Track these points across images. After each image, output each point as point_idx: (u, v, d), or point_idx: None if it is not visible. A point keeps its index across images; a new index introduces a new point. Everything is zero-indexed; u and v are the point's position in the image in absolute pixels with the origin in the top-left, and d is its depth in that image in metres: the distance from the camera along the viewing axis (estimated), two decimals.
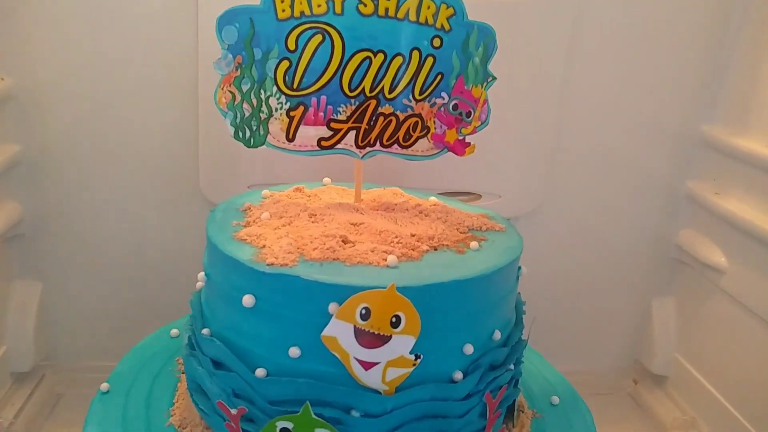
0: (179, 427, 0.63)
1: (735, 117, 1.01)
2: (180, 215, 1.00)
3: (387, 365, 0.52)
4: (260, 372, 0.54)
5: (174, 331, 0.78)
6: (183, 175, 0.98)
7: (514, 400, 0.65)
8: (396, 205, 0.68)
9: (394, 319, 0.51)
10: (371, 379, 0.53)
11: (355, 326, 0.51)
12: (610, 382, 1.19)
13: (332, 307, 0.51)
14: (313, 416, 0.51)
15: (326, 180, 0.77)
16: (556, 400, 0.73)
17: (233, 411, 0.54)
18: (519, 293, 0.67)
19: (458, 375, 0.56)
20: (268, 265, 0.53)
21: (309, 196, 0.70)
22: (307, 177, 0.80)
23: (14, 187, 0.95)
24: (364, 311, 0.50)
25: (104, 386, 0.68)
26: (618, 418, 1.12)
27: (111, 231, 1.00)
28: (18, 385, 1.01)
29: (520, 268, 0.64)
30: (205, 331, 0.59)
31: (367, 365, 0.52)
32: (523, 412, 0.69)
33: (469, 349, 0.56)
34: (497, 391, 0.58)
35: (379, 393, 0.53)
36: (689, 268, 1.10)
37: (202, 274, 0.61)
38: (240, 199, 0.69)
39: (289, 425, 0.52)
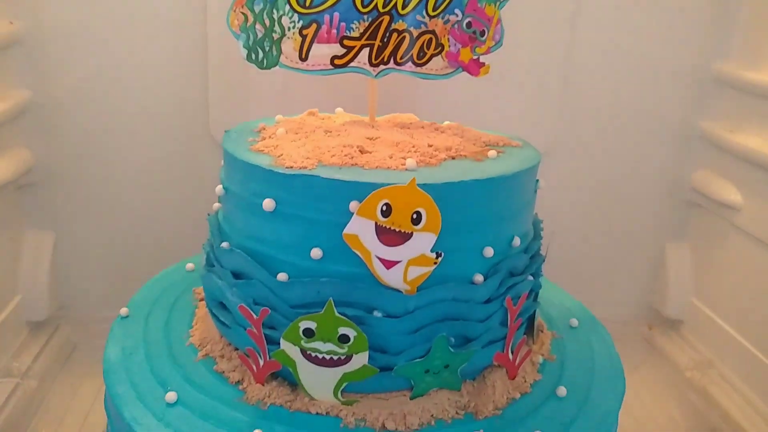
0: (199, 345, 0.63)
1: (748, 51, 1.00)
2: (191, 159, 1.00)
3: (408, 264, 0.52)
4: (282, 276, 0.54)
5: (189, 265, 0.78)
6: (193, 119, 0.98)
7: (535, 315, 0.65)
8: (411, 124, 0.68)
9: (414, 216, 0.51)
10: (393, 278, 0.52)
11: (376, 223, 0.51)
12: (624, 329, 1.18)
13: (353, 205, 0.51)
14: (337, 315, 0.51)
15: (339, 110, 0.77)
16: (575, 322, 0.73)
17: (256, 316, 0.54)
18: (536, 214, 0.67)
19: (479, 278, 0.55)
20: (287, 167, 0.53)
21: (323, 119, 0.70)
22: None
23: (25, 133, 0.95)
24: (384, 207, 0.50)
25: (124, 311, 0.68)
26: (633, 363, 1.11)
27: (122, 178, 1.00)
28: (34, 334, 1.01)
29: (537, 181, 0.63)
30: (224, 244, 0.59)
31: (389, 264, 0.52)
32: (542, 332, 0.69)
33: (489, 251, 0.55)
34: (517, 299, 0.58)
35: (401, 293, 0.53)
36: (703, 211, 1.10)
37: (219, 187, 0.61)
38: (253, 123, 0.69)
39: (312, 325, 0.52)
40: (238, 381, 0.58)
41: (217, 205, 0.65)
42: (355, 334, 0.52)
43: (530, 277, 0.60)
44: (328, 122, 0.68)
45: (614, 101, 1.06)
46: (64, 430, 0.86)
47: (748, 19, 1.00)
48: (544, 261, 0.64)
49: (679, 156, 1.10)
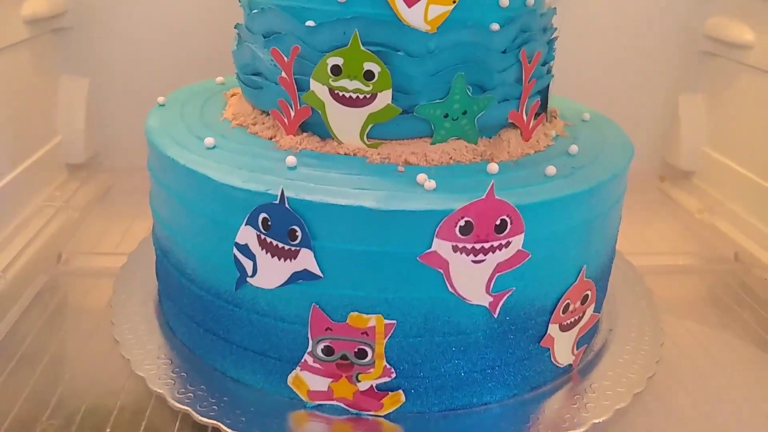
0: (232, 119, 0.68)
1: None
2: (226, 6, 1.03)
3: (429, 2, 0.55)
4: (309, 23, 0.58)
5: (219, 78, 0.82)
6: None
7: (548, 89, 0.68)
8: None
9: None
10: (414, 16, 0.56)
11: None
12: (637, 182, 1.21)
13: None
14: (362, 48, 0.55)
15: None
16: (587, 116, 0.76)
17: (287, 58, 0.58)
18: None
19: (495, 26, 0.59)
20: None
21: None
22: None
23: None
24: None
25: (160, 99, 0.73)
26: (647, 210, 1.15)
27: (152, 23, 1.04)
28: (72, 175, 1.07)
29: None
30: (254, 10, 0.63)
31: (411, 2, 0.55)
32: (555, 117, 0.73)
33: (504, 1, 0.59)
34: (532, 55, 0.62)
35: (423, 32, 0.56)
36: (717, 59, 1.11)
37: None
38: None
39: (339, 61, 0.56)
40: (271, 137, 0.63)
41: None
42: (380, 69, 0.56)
43: (544, 40, 0.64)
44: None
45: None
46: (101, 247, 0.92)
47: None
48: (556, 39, 0.68)
49: (693, 4, 1.11)
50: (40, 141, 0.99)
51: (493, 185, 0.50)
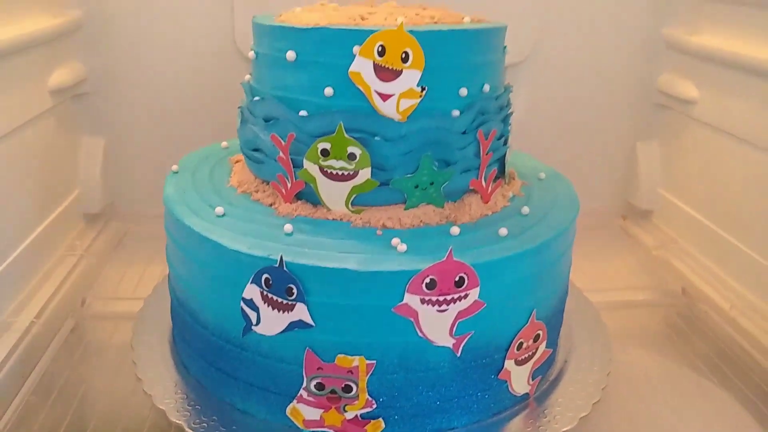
0: (237, 186, 0.79)
1: None
2: (220, 70, 1.16)
3: (400, 96, 0.68)
4: (303, 112, 0.70)
5: (224, 143, 0.94)
6: (223, 35, 1.14)
7: (505, 158, 0.80)
8: (404, 6, 0.83)
9: (403, 55, 0.66)
10: (388, 108, 0.68)
11: (374, 62, 0.66)
12: (602, 220, 1.34)
13: (356, 48, 0.66)
14: (346, 136, 0.67)
15: None
16: (542, 175, 0.88)
17: (284, 142, 0.70)
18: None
19: (456, 112, 0.71)
20: (304, 25, 0.69)
21: (332, 6, 0.85)
22: None
23: (78, 48, 1.12)
24: (380, 48, 0.66)
25: (174, 167, 0.85)
26: (609, 247, 1.27)
27: (163, 88, 1.16)
28: (89, 224, 1.19)
29: (505, 47, 0.79)
30: (256, 98, 0.75)
31: (385, 97, 0.68)
32: (513, 179, 0.85)
33: (463, 91, 0.71)
34: (488, 135, 0.74)
35: (395, 121, 0.68)
36: (669, 110, 1.24)
37: (251, 53, 0.76)
38: (275, 11, 0.84)
39: (328, 146, 0.68)
40: (271, 204, 0.74)
41: (248, 76, 0.80)
42: (361, 152, 0.68)
43: (499, 119, 0.76)
44: (335, 7, 0.83)
45: (586, 12, 1.20)
46: (119, 292, 1.03)
47: None
48: (511, 114, 0.80)
49: (647, 62, 1.25)
50: (61, 195, 1.11)
51: (451, 250, 0.62)
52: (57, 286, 0.97)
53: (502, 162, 0.80)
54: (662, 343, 0.95)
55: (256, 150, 0.77)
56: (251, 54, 0.77)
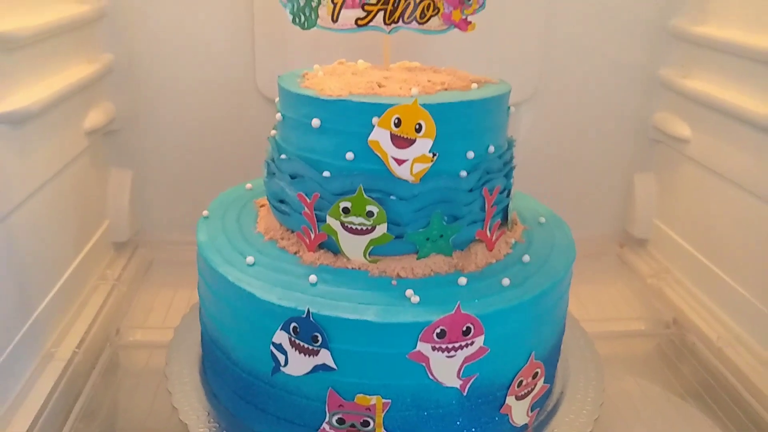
0: (264, 232, 0.87)
1: (697, 9, 1.20)
2: (242, 109, 1.24)
3: (414, 161, 0.75)
4: (326, 173, 0.77)
5: (248, 185, 1.02)
6: (244, 76, 1.22)
7: (508, 207, 0.88)
8: (416, 68, 0.91)
9: (417, 126, 0.73)
10: (403, 171, 0.75)
11: (390, 132, 0.74)
12: (600, 248, 1.41)
13: (375, 119, 0.74)
14: (365, 196, 0.75)
15: (360, 60, 0.99)
16: (542, 219, 0.95)
17: (309, 200, 0.78)
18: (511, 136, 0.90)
19: (463, 173, 0.78)
20: (328, 95, 0.76)
21: (349, 66, 0.93)
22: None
23: (109, 90, 1.20)
24: (396, 120, 0.73)
25: (205, 213, 0.92)
26: (606, 274, 1.35)
27: (187, 126, 1.24)
28: (118, 252, 1.27)
29: (509, 108, 0.86)
30: (282, 156, 0.83)
31: (400, 162, 0.75)
32: (516, 224, 0.92)
33: (470, 154, 0.78)
34: (492, 191, 0.81)
35: (409, 182, 0.76)
36: (663, 145, 1.32)
37: (278, 115, 0.84)
38: (298, 71, 0.92)
39: (348, 204, 0.75)
40: (296, 252, 0.82)
41: (273, 131, 0.88)
42: (378, 210, 0.75)
43: (503, 176, 0.83)
44: (353, 68, 0.91)
45: (586, 55, 1.27)
46: (150, 321, 1.12)
47: None
48: (514, 168, 0.87)
49: (644, 100, 1.32)
50: (94, 227, 1.19)
51: (459, 304, 0.69)
52: (93, 315, 1.05)
53: (505, 212, 0.87)
54: (654, 373, 1.03)
55: (281, 201, 0.84)
56: (278, 116, 0.84)
